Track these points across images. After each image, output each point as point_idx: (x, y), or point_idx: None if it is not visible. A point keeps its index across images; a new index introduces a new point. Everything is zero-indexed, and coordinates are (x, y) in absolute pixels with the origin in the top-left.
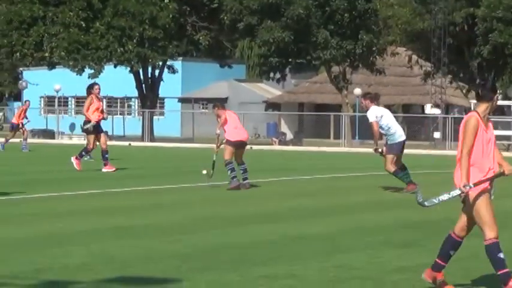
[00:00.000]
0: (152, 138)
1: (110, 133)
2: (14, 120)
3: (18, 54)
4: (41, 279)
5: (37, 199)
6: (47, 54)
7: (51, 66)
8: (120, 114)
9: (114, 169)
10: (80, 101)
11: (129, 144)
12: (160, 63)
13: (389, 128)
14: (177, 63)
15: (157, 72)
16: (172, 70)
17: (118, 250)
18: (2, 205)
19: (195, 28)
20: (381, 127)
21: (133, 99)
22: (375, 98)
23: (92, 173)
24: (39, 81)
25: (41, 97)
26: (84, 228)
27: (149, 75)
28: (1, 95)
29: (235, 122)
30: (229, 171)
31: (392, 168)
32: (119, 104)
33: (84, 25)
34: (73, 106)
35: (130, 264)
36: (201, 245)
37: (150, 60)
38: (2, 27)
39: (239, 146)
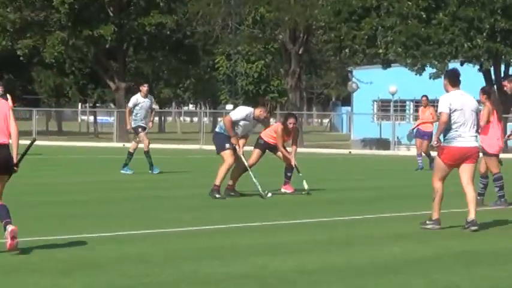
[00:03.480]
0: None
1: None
2: None
3: (347, 50)
4: None
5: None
6: (381, 51)
7: (386, 64)
8: None
9: None
10: (418, 105)
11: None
12: None
13: None
14: None
15: (511, 70)
16: None
17: (465, 280)
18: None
19: None
20: None
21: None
22: None
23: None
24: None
25: (373, 101)
26: (422, 255)
27: (502, 74)
28: (327, 98)
29: None
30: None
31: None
32: None
33: (424, 16)
34: (411, 111)
35: None
36: None
37: (503, 57)
38: (329, 19)
39: None
